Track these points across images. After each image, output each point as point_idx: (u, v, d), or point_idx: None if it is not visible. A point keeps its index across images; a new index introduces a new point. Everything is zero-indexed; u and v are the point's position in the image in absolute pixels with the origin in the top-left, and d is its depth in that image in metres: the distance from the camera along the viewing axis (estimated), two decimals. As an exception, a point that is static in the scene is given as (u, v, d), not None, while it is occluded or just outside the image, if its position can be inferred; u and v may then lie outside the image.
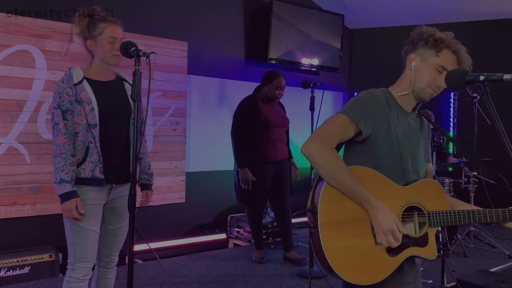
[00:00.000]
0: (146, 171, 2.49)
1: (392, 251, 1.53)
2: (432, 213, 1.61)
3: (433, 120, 5.01)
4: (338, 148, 1.72)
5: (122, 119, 2.29)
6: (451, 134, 6.12)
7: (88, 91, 2.20)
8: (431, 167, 1.87)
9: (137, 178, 2.45)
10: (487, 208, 1.66)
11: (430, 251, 1.61)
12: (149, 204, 2.55)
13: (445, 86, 1.64)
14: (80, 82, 2.20)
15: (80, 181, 2.20)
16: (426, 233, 1.60)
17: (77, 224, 2.19)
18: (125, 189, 2.34)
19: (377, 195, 1.51)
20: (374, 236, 1.51)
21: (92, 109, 2.18)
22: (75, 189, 2.16)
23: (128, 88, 2.35)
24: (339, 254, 1.48)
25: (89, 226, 2.21)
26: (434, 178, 4.28)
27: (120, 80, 2.37)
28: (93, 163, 2.20)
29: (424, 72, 1.64)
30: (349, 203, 1.51)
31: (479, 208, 1.67)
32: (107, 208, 2.33)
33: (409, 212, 1.61)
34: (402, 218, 1.58)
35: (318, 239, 1.48)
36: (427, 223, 1.61)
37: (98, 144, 2.19)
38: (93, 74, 2.27)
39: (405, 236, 1.54)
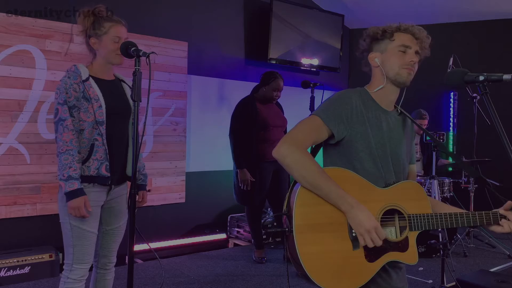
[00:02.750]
0: (141, 172, 2.48)
1: (371, 256, 1.49)
2: (413, 216, 1.56)
3: (427, 120, 5.04)
4: (315, 150, 1.70)
5: (124, 118, 2.31)
6: (450, 134, 6.12)
7: (95, 88, 2.19)
8: (415, 169, 1.82)
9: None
10: (470, 211, 1.62)
11: (410, 256, 1.55)
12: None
13: (416, 60, 1.63)
14: (87, 79, 2.19)
15: (84, 179, 2.17)
16: (407, 237, 1.55)
17: (79, 226, 2.17)
18: (121, 189, 2.35)
19: (354, 197, 1.46)
20: (351, 241, 1.47)
21: (100, 106, 2.18)
22: (82, 186, 2.14)
23: (126, 89, 2.36)
24: (315, 259, 1.42)
25: (90, 228, 2.20)
26: (434, 178, 4.29)
27: (119, 81, 2.39)
28: (99, 161, 2.18)
29: (389, 59, 1.64)
30: (325, 206, 1.46)
31: (461, 211, 1.62)
32: (105, 209, 2.32)
33: (389, 216, 1.55)
34: (381, 221, 1.52)
35: (293, 243, 1.42)
36: (407, 227, 1.55)
37: (105, 141, 2.18)
38: (96, 72, 2.26)
39: (384, 241, 1.47)
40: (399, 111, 1.72)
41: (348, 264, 1.46)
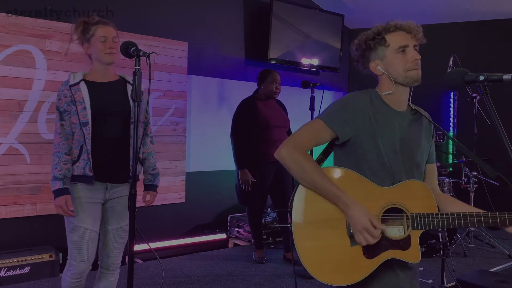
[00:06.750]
0: (150, 172, 2.50)
1: (369, 253, 1.51)
2: (416, 215, 1.55)
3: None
4: (327, 152, 1.73)
5: (119, 119, 2.33)
6: (450, 134, 6.12)
7: (83, 92, 2.27)
8: (434, 168, 1.77)
9: (140, 178, 2.47)
10: (482, 212, 1.55)
11: (412, 255, 1.53)
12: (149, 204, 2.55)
13: (418, 55, 1.61)
14: (77, 83, 2.28)
15: (73, 178, 2.29)
16: (409, 236, 1.54)
17: (72, 222, 2.26)
18: (124, 189, 2.36)
19: (355, 196, 1.50)
20: (349, 237, 1.51)
21: (84, 108, 2.25)
22: (66, 186, 2.24)
23: (130, 90, 2.38)
24: (313, 254, 1.51)
25: (83, 224, 2.26)
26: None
27: (123, 82, 2.41)
28: (85, 161, 2.26)
29: (392, 64, 1.61)
30: (324, 203, 1.53)
31: (478, 211, 1.56)
32: (107, 208, 2.36)
33: (393, 214, 1.56)
34: (382, 219, 1.53)
35: (292, 238, 1.53)
36: (410, 225, 1.54)
37: (88, 142, 2.25)
38: (92, 76, 2.35)
39: (384, 239, 1.50)
40: (414, 111, 1.70)
41: (346, 260, 1.51)
